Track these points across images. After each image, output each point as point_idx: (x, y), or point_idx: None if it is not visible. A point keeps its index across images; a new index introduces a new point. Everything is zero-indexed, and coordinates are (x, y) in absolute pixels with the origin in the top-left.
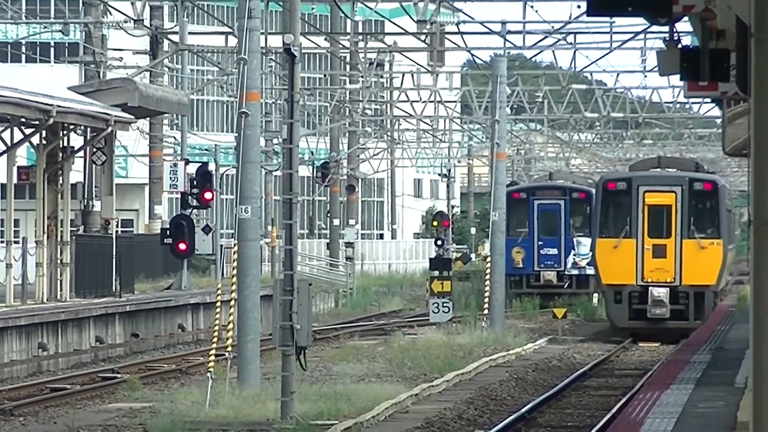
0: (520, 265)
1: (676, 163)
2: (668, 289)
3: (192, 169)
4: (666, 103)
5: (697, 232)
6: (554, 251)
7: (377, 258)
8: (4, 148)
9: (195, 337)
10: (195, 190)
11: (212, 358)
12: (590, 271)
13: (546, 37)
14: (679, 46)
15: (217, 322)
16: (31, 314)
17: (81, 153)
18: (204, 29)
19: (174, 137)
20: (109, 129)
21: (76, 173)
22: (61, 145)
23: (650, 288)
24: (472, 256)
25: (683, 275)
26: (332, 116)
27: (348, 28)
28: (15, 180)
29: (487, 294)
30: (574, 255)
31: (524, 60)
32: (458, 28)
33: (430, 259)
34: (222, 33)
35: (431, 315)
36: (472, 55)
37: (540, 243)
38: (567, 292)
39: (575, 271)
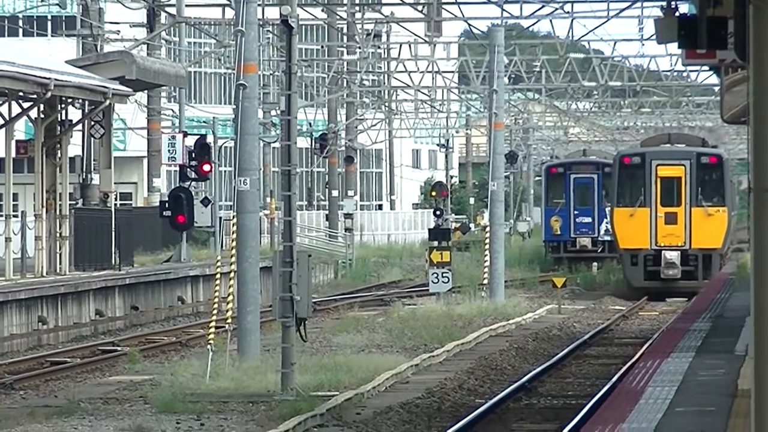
0: (558, 233)
1: (684, 138)
2: (679, 252)
3: (190, 141)
4: (664, 71)
5: (705, 200)
6: (588, 219)
7: (376, 229)
8: (2, 122)
9: (195, 309)
10: (193, 163)
11: (212, 330)
12: None
13: (543, 6)
14: (677, 13)
15: (216, 294)
16: (30, 288)
17: (79, 126)
18: (201, 1)
19: (172, 110)
20: (107, 102)
21: (74, 147)
22: (59, 119)
23: (663, 251)
24: (471, 226)
25: (692, 240)
26: (330, 87)
27: None
28: (13, 154)
29: (486, 264)
30: (607, 223)
31: (522, 29)
32: None
33: (429, 230)
34: (219, 5)
35: (431, 285)
36: (470, 25)
37: (576, 212)
38: (601, 256)
39: (608, 237)
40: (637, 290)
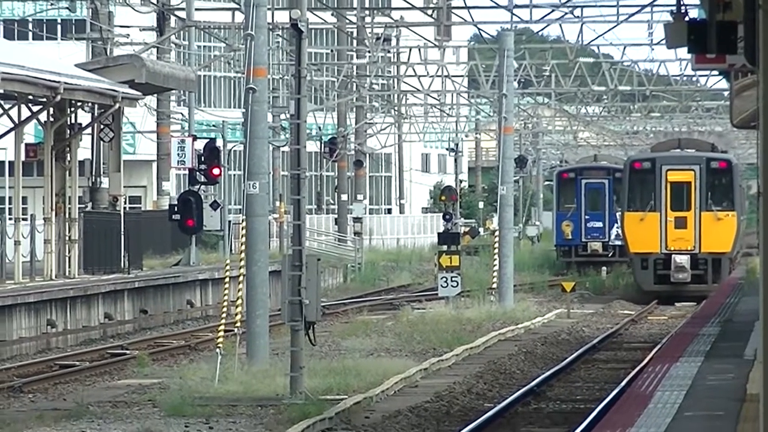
0: (569, 237)
1: (694, 144)
2: (689, 256)
3: (200, 145)
4: (673, 75)
5: (714, 205)
6: (599, 224)
7: (385, 233)
8: (12, 125)
9: (204, 313)
10: (203, 166)
11: (221, 333)
12: None
13: (553, 11)
14: (687, 18)
15: (225, 297)
16: (39, 291)
17: (88, 130)
18: (211, 5)
19: (181, 113)
20: (117, 105)
21: (83, 150)
22: (68, 122)
23: (673, 255)
24: (480, 230)
25: (702, 244)
26: (339, 91)
27: (355, 3)
28: (23, 157)
29: (495, 268)
30: (617, 227)
31: (531, 34)
32: (465, 2)
33: (439, 234)
34: (229, 9)
35: (440, 289)
36: (479, 29)
37: (587, 217)
38: (611, 261)
39: (618, 242)
40: (647, 294)
